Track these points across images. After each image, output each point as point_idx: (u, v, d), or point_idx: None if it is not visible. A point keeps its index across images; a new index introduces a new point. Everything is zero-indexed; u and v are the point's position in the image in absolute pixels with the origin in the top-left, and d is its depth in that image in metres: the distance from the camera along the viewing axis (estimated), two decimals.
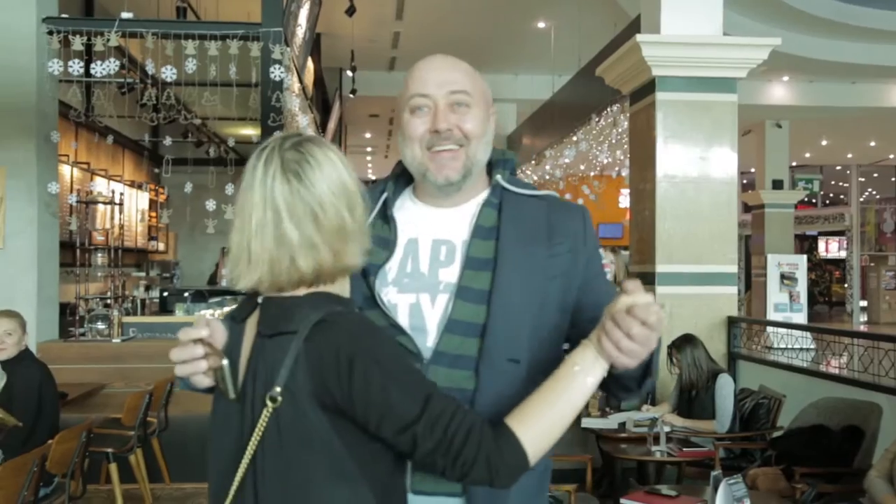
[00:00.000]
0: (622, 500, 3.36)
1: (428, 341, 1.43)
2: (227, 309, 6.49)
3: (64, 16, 5.70)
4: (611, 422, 4.75)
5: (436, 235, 1.50)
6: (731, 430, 4.72)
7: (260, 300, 1.31)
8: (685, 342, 4.86)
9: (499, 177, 1.53)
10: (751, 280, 15.58)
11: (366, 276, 1.44)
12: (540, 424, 1.24)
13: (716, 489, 2.87)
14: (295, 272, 1.26)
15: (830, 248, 24.04)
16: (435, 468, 1.23)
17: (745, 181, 20.50)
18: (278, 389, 1.21)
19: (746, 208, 16.66)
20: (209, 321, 1.34)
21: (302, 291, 1.29)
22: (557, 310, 1.46)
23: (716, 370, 4.83)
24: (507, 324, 1.40)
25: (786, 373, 5.36)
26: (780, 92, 12.42)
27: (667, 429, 4.53)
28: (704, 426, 4.69)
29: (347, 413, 1.21)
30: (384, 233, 1.50)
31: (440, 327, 1.43)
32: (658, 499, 3.33)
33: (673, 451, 4.24)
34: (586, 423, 4.78)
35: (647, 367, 1.34)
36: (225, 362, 1.29)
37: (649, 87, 5.84)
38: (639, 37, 5.63)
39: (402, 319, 1.44)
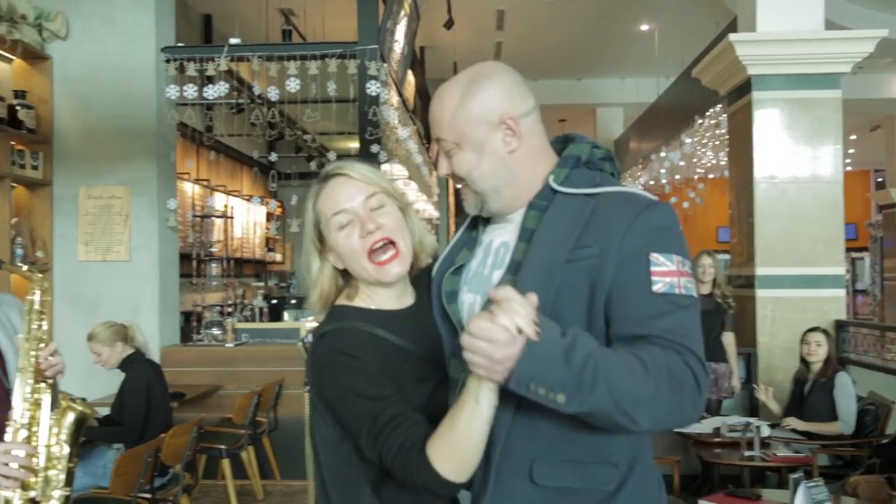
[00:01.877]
0: (700, 501, 3.34)
1: None
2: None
3: (180, 45, 6.13)
4: (705, 426, 4.69)
5: (503, 238, 1.51)
6: (844, 436, 4.59)
7: None
8: (827, 331, 4.83)
9: (551, 178, 1.46)
10: (884, 284, 14.75)
11: (447, 273, 1.55)
12: (446, 446, 1.28)
13: (795, 492, 2.84)
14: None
15: None
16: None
17: (878, 179, 19.40)
18: (305, 381, 1.57)
19: (879, 208, 15.75)
20: None
21: (339, 301, 1.56)
22: (581, 318, 1.33)
23: (837, 368, 4.74)
24: None
25: None
26: None
27: (766, 433, 4.45)
28: (829, 429, 4.57)
29: (330, 408, 1.44)
30: (476, 235, 1.57)
31: None
32: (736, 500, 3.29)
33: (767, 457, 4.16)
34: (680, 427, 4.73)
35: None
36: (298, 344, 1.73)
37: (746, 87, 5.73)
38: (732, 36, 5.54)
39: (465, 318, 1.48)
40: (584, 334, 1.24)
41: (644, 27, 10.21)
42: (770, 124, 5.65)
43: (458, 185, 1.54)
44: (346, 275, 1.56)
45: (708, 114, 7.91)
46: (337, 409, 1.41)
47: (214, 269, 7.05)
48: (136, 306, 5.82)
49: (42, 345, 2.04)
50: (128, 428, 4.01)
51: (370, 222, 1.48)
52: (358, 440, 1.39)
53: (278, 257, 11.67)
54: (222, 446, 4.96)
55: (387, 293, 1.54)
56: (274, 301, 7.16)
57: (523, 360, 1.17)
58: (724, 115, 7.21)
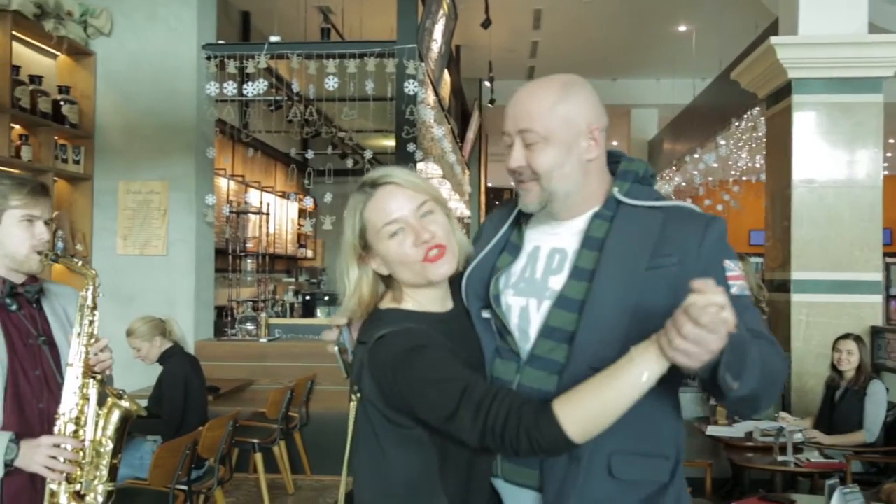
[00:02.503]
0: None
1: (528, 344, 1.52)
2: None
3: (220, 42, 6.21)
4: (737, 430, 4.66)
5: (554, 244, 1.56)
6: (876, 443, 4.54)
7: None
8: (860, 338, 4.77)
9: (615, 189, 1.55)
10: None
11: (493, 278, 1.58)
12: (584, 408, 1.30)
13: (831, 497, 2.82)
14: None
15: None
16: (493, 450, 1.39)
17: None
18: (356, 387, 1.51)
19: None
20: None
21: (384, 305, 1.55)
22: (661, 320, 1.34)
23: (870, 376, 4.69)
24: (595, 334, 1.43)
25: None
26: None
27: (798, 437, 4.41)
28: (851, 440, 4.53)
29: (404, 410, 1.42)
30: (515, 240, 1.62)
31: (539, 331, 1.51)
32: None
33: (800, 462, 4.13)
34: (712, 430, 4.73)
35: (715, 371, 1.27)
36: (335, 349, 1.61)
37: (786, 90, 5.67)
38: (773, 39, 5.48)
39: (513, 321, 1.54)
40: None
41: (682, 28, 10.14)
42: (809, 128, 5.59)
43: (515, 179, 1.56)
44: (385, 279, 1.57)
45: (745, 116, 7.84)
46: (419, 402, 1.39)
47: (249, 264, 7.13)
48: (172, 300, 5.91)
49: (93, 340, 2.08)
50: (166, 420, 4.08)
51: (424, 231, 1.49)
52: (448, 424, 1.36)
53: (309, 253, 11.75)
54: (255, 440, 5.02)
55: (432, 296, 1.55)
56: (307, 297, 7.23)
57: (727, 350, 1.24)
58: (762, 118, 7.15)
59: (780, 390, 1.46)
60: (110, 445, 2.05)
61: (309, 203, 6.12)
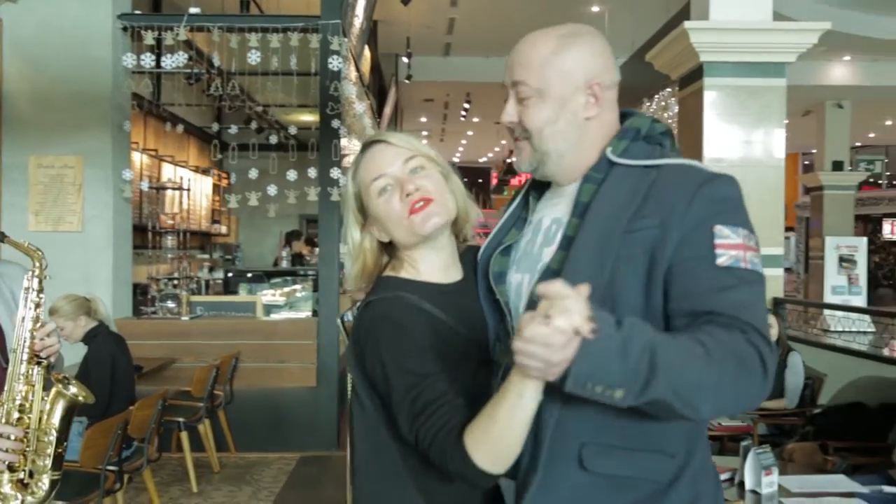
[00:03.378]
0: None
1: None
2: (287, 289, 6.80)
3: (137, 12, 6.02)
4: None
5: (555, 214, 1.44)
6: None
7: None
8: (777, 312, 5.02)
9: (608, 149, 1.38)
10: (809, 263, 15.39)
11: (495, 253, 1.49)
12: (486, 435, 1.22)
13: (745, 458, 3.03)
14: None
15: None
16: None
17: (805, 162, 20.11)
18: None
19: (806, 190, 16.39)
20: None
21: (384, 274, 1.52)
22: (638, 293, 1.26)
23: (788, 347, 4.98)
24: None
25: (830, 353, 5.45)
26: (841, 72, 12.22)
27: None
28: (775, 405, 4.81)
29: (369, 380, 1.40)
30: (525, 215, 1.52)
31: (525, 308, 1.39)
32: None
33: (711, 426, 4.39)
34: None
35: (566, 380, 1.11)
36: (337, 321, 1.62)
37: (697, 73, 5.91)
38: (687, 23, 5.70)
39: (513, 300, 1.44)
40: (640, 323, 1.15)
41: (595, 8, 10.35)
42: (719, 109, 5.85)
43: (515, 137, 1.44)
44: (389, 250, 1.53)
45: (656, 97, 8.11)
46: (376, 381, 1.37)
47: (170, 241, 6.98)
48: (88, 278, 5.75)
49: (38, 324, 1.99)
50: (94, 401, 3.99)
51: (410, 184, 1.44)
52: (397, 416, 1.34)
53: (223, 230, 11.56)
54: (181, 419, 4.98)
55: (433, 263, 1.49)
56: (229, 274, 7.14)
57: (579, 360, 1.08)
58: (673, 99, 7.42)
59: (746, 396, 1.19)
60: (55, 434, 2.00)
61: (234, 179, 6.01)
